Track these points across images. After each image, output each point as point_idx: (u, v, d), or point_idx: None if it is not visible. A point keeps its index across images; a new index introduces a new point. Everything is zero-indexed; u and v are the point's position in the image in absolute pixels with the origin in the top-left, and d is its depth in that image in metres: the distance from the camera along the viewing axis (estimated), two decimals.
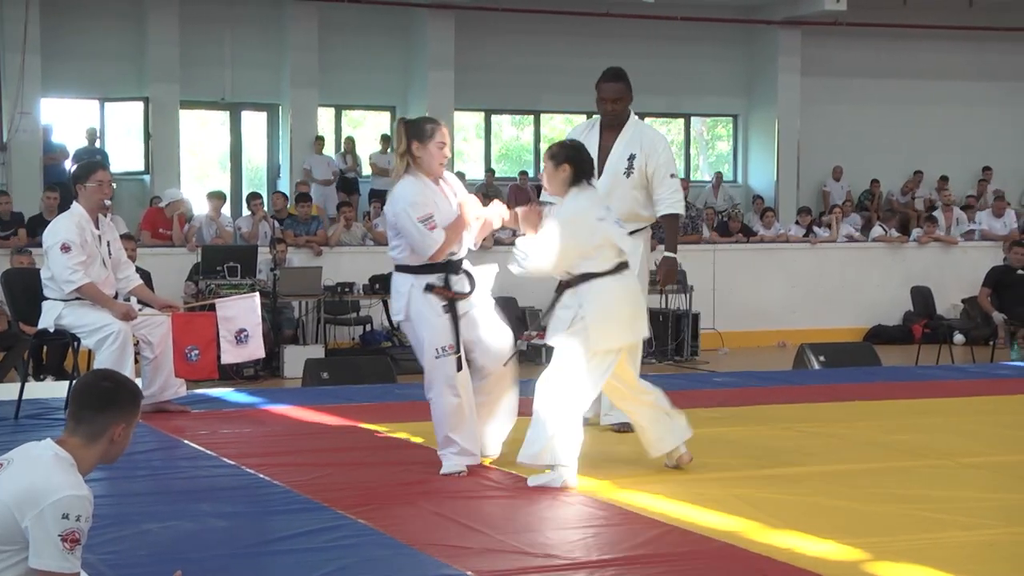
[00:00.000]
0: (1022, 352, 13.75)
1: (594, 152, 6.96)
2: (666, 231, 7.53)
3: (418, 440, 7.06)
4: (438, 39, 18.41)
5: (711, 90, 20.43)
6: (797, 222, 17.70)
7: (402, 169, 6.27)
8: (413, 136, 6.24)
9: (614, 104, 7.32)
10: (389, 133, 18.99)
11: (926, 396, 9.19)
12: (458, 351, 6.16)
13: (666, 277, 7.40)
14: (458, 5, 18.27)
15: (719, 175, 20.19)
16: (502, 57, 18.54)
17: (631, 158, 7.24)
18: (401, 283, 6.27)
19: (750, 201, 19.74)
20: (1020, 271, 14.14)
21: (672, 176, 7.30)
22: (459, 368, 6.18)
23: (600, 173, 7.13)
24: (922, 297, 15.15)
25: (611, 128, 7.35)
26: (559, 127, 21.13)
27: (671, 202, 7.28)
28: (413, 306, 6.20)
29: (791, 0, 19.17)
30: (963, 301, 15.81)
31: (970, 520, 5.29)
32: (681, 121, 21.15)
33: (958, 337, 15.01)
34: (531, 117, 20.36)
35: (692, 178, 20.39)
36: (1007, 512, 5.50)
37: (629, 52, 19.65)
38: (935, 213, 18.17)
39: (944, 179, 20.34)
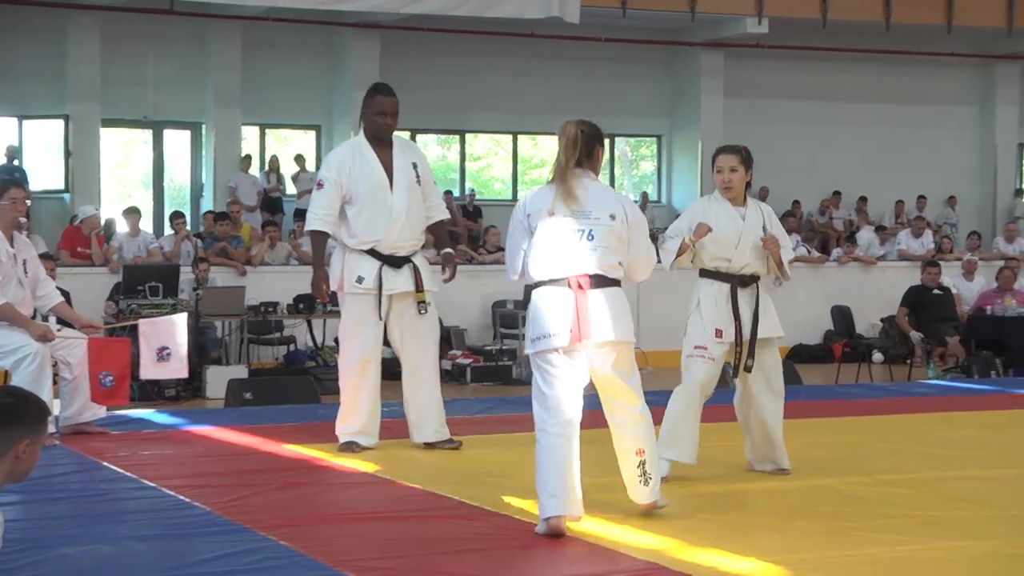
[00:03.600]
0: (938, 371, 13.95)
1: (375, 168, 7.28)
2: (441, 233, 7.77)
3: (341, 461, 7.04)
4: (363, 58, 18.38)
5: (635, 110, 20.58)
6: None
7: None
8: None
9: (393, 118, 7.51)
10: (312, 152, 18.91)
11: (846, 414, 9.30)
12: None
13: (455, 267, 7.57)
14: (383, 24, 18.25)
15: (644, 195, 20.32)
16: (428, 76, 18.55)
17: (414, 167, 7.45)
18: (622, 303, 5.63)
19: (673, 221, 19.86)
20: (936, 291, 14.38)
21: (435, 183, 7.72)
22: None
23: (392, 186, 7.28)
24: (842, 316, 15.35)
25: (382, 143, 7.44)
26: (486, 145, 21.18)
27: (442, 208, 7.72)
28: None
29: (714, 22, 19.35)
30: (882, 320, 16.04)
31: (888, 536, 5.36)
32: (606, 141, 21.25)
33: (877, 356, 15.20)
34: (457, 136, 20.38)
35: None
36: (924, 528, 5.57)
37: (554, 72, 19.78)
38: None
39: (863, 199, 20.64)
